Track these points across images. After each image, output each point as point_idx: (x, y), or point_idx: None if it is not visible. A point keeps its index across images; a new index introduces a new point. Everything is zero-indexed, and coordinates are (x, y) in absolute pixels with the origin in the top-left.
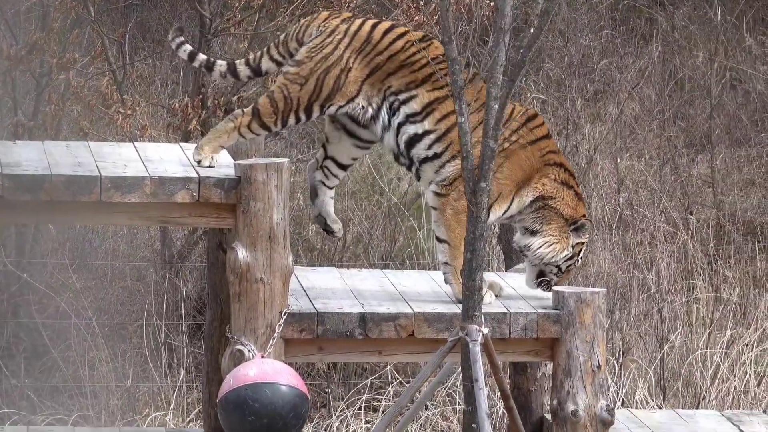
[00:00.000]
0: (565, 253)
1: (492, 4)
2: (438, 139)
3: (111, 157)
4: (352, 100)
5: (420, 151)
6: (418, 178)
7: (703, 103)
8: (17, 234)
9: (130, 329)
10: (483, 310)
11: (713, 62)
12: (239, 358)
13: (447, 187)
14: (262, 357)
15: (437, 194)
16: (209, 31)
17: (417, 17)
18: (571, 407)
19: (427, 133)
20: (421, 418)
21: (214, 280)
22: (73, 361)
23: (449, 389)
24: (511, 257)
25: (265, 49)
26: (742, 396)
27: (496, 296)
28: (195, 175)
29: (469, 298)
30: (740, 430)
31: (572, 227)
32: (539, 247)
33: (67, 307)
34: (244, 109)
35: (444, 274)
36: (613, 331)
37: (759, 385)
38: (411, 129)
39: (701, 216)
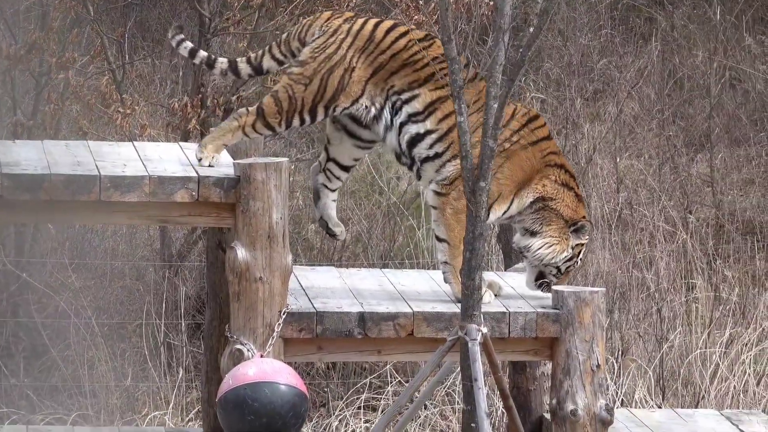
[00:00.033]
0: (565, 254)
1: (491, 3)
2: (439, 139)
3: (110, 157)
4: (356, 101)
5: (421, 150)
6: (419, 177)
7: (703, 103)
8: (16, 233)
9: (129, 329)
10: (482, 310)
11: (713, 62)
12: (238, 358)
13: (447, 186)
14: (262, 356)
15: (437, 193)
16: (208, 30)
17: (416, 16)
18: (570, 407)
19: (428, 132)
20: (420, 417)
21: (213, 280)
22: (73, 361)
23: (448, 388)
24: (511, 257)
25: (266, 47)
26: (742, 395)
27: (496, 295)
28: (194, 174)
29: (469, 297)
30: (739, 429)
31: (572, 228)
32: (539, 248)
33: (66, 307)
34: (249, 108)
35: (443, 273)
36: (612, 330)
37: (758, 384)
38: (413, 128)
39: (700, 215)
